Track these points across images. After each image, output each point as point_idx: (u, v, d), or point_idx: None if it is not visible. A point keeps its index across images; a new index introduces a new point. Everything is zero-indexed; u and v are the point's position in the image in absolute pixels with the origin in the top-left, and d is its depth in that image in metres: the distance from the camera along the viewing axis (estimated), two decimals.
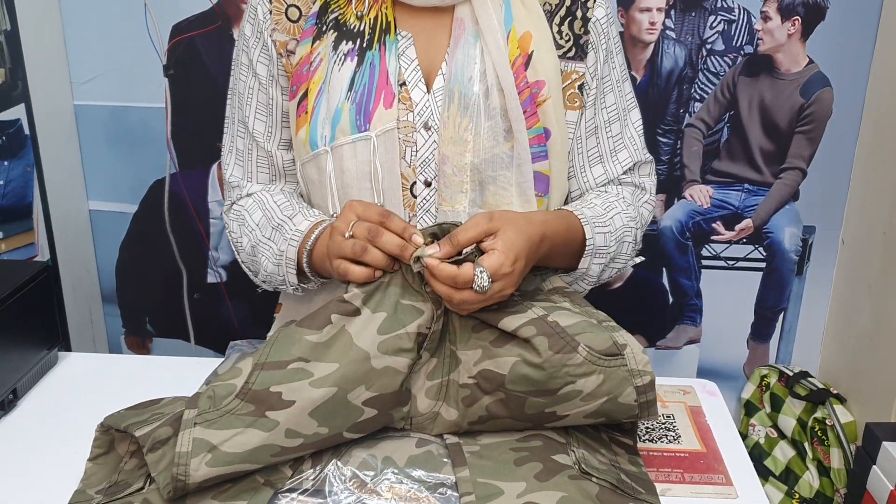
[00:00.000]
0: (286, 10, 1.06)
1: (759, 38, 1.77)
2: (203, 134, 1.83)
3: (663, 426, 1.06)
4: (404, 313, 0.91)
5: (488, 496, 0.83)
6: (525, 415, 0.89)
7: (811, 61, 1.78)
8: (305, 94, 1.05)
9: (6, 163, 1.62)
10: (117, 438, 0.92)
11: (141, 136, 1.84)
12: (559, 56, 1.06)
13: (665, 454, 1.00)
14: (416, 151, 1.04)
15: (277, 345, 0.89)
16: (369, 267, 0.91)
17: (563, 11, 1.07)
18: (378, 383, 0.87)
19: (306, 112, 1.05)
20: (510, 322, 0.90)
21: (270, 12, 1.06)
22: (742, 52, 1.78)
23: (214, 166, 1.87)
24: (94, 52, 1.78)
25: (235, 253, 1.17)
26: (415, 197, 1.05)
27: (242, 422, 0.84)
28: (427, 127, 1.03)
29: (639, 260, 1.15)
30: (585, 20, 1.07)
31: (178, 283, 1.96)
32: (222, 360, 1.14)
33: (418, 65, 1.04)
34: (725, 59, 1.78)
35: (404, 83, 1.04)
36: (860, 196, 1.86)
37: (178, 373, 1.17)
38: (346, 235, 0.92)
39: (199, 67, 1.78)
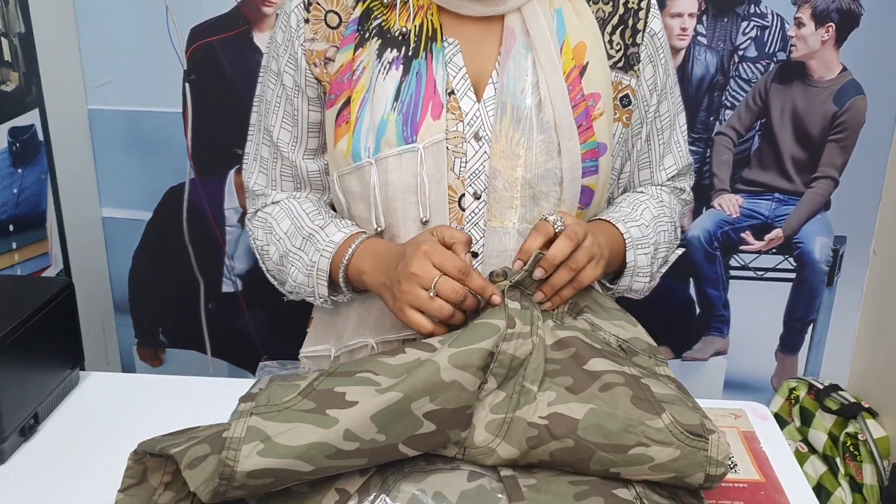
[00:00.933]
0: (325, 16, 1.01)
1: (792, 45, 1.72)
2: (221, 140, 1.78)
3: None
4: (477, 329, 0.87)
5: None
6: (588, 470, 0.83)
7: (845, 69, 1.74)
8: (347, 104, 1.00)
9: (20, 170, 1.56)
10: (150, 468, 0.87)
11: (157, 141, 1.79)
12: (609, 66, 1.02)
13: (723, 484, 0.95)
14: (466, 163, 0.99)
15: (347, 364, 0.89)
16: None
17: (615, 20, 1.02)
18: (443, 396, 0.82)
19: (348, 122, 1.00)
20: (599, 363, 0.87)
21: (307, 21, 1.01)
22: (775, 59, 1.73)
23: (231, 173, 1.82)
24: (109, 54, 1.73)
25: (260, 261, 1.14)
26: (463, 210, 1.01)
27: (301, 417, 0.80)
28: (478, 137, 0.99)
29: (680, 251, 1.16)
30: (636, 31, 1.03)
31: (193, 293, 1.91)
32: (253, 381, 1.09)
33: (466, 73, 1.00)
34: (758, 65, 1.74)
35: (453, 92, 0.99)
36: (893, 206, 1.81)
37: (204, 392, 1.12)
38: (431, 294, 0.89)
39: (217, 72, 1.73)
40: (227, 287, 1.91)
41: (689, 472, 0.81)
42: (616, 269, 1.06)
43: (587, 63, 0.99)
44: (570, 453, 0.83)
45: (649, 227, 1.07)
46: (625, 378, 0.86)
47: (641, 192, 1.15)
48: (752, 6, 1.69)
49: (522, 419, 0.85)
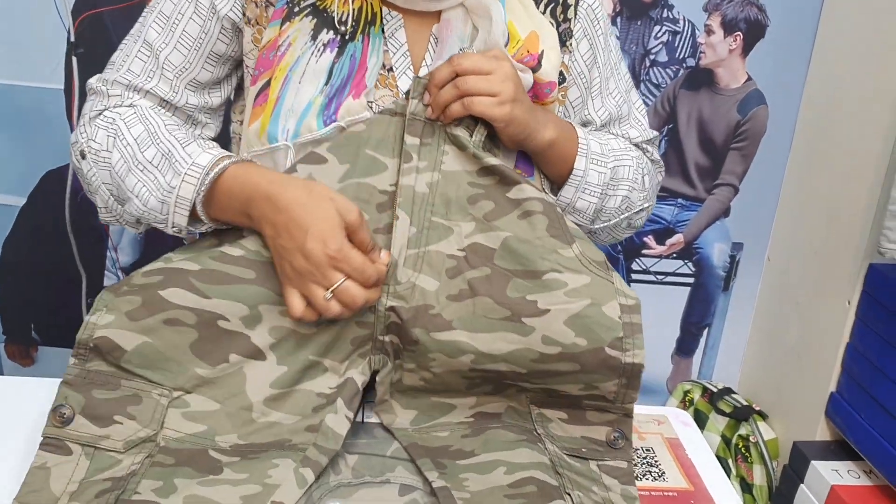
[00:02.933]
0: None
1: (701, 52, 1.74)
2: None
3: (645, 461, 0.99)
4: (368, 164, 0.90)
5: None
6: (506, 298, 0.85)
7: (749, 78, 1.78)
8: (268, 83, 0.92)
9: None
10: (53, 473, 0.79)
11: (33, 120, 1.64)
12: None
13: (653, 493, 0.93)
14: None
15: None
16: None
17: None
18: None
19: (265, 103, 0.92)
20: (522, 190, 0.89)
21: None
22: (684, 65, 1.75)
23: None
24: None
25: (88, 173, 0.95)
26: None
27: (205, 251, 0.88)
28: None
29: (648, 206, 1.11)
30: (566, 6, 1.00)
31: (72, 286, 1.76)
32: None
33: (408, 49, 0.95)
34: (668, 70, 1.75)
35: (391, 68, 0.94)
36: (788, 215, 1.87)
37: None
38: (327, 297, 0.83)
39: (107, 46, 1.58)
40: (108, 281, 1.77)
41: (603, 299, 0.84)
42: (562, 178, 1.01)
43: (542, 51, 0.95)
44: (488, 281, 0.86)
45: (612, 152, 1.03)
46: (543, 205, 0.88)
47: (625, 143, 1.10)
48: (665, 11, 1.70)
49: (440, 252, 0.88)
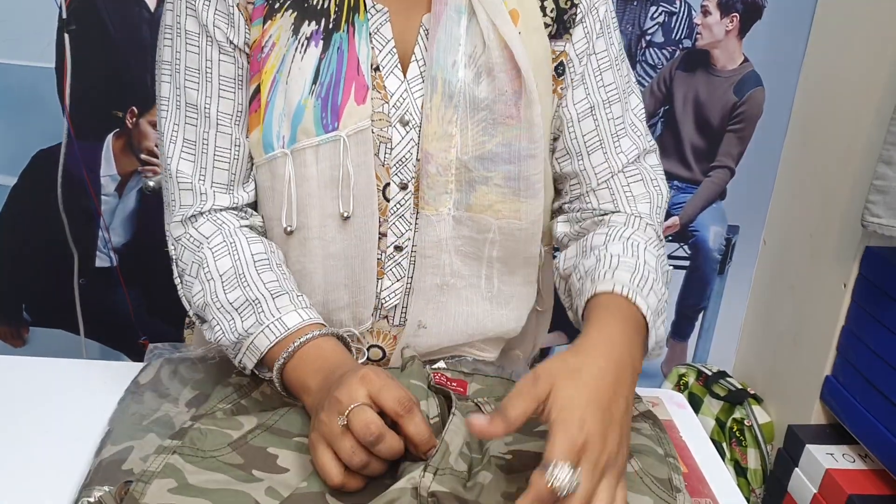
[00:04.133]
0: None
1: (697, 33, 1.73)
2: (99, 101, 1.63)
3: None
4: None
5: None
6: None
7: (746, 60, 1.77)
8: (259, 89, 0.88)
9: None
10: None
11: (26, 99, 1.62)
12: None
13: None
14: (391, 149, 0.89)
15: (290, 416, 0.80)
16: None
17: None
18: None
19: (259, 109, 0.89)
20: None
21: None
22: (681, 46, 1.74)
23: (109, 137, 1.67)
24: None
25: (178, 281, 0.93)
26: (387, 200, 0.91)
27: (225, 470, 0.72)
28: (404, 122, 0.89)
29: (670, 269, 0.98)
30: None
31: (64, 267, 1.75)
32: (141, 366, 0.98)
33: (395, 46, 0.89)
34: (664, 51, 1.74)
35: (378, 68, 0.89)
36: (784, 198, 1.86)
37: (77, 376, 1.00)
38: (341, 422, 0.71)
39: (99, 26, 1.58)
40: (100, 261, 1.76)
41: None
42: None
43: (520, 32, 0.89)
44: None
45: (659, 279, 0.85)
46: None
47: (613, 221, 0.95)
48: None
49: (490, 452, 0.75)
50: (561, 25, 0.93)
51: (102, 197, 1.71)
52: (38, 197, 1.69)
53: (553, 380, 0.68)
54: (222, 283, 0.87)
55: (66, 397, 0.96)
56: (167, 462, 0.71)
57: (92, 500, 0.72)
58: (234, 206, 0.93)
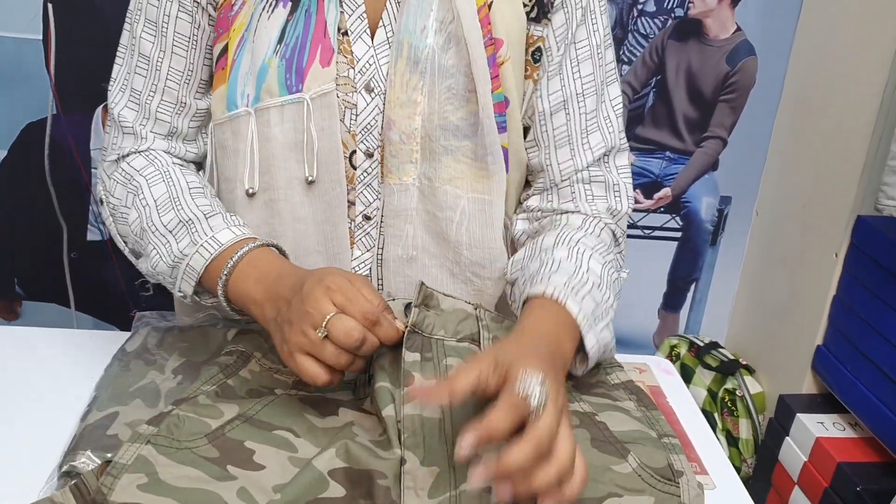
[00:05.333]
0: None
1: (690, 2, 1.72)
2: (87, 73, 1.62)
3: None
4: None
5: None
6: None
7: (739, 28, 1.75)
8: (227, 46, 0.88)
9: None
10: None
11: (13, 72, 1.61)
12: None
13: None
14: (357, 116, 0.89)
15: (273, 406, 0.78)
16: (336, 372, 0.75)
17: None
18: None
19: (226, 67, 0.88)
20: None
21: None
22: (673, 15, 1.73)
23: (99, 109, 1.66)
24: None
25: (108, 219, 0.94)
26: (354, 168, 0.90)
27: (198, 463, 0.71)
28: (369, 89, 0.88)
29: (625, 275, 0.98)
30: None
31: (55, 240, 1.74)
32: (129, 335, 0.98)
33: (365, 11, 0.88)
34: (656, 20, 1.73)
35: (346, 32, 0.88)
36: (777, 168, 1.86)
37: (68, 345, 1.00)
38: (321, 335, 0.72)
39: None
40: (91, 235, 1.76)
41: None
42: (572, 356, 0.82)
43: (491, 3, 0.88)
44: None
45: (599, 286, 0.85)
46: (579, 419, 0.76)
47: (567, 221, 0.94)
48: None
49: (475, 491, 0.69)
50: (540, 9, 0.91)
51: (92, 170, 1.71)
52: (27, 171, 1.68)
53: (497, 352, 0.67)
54: (157, 207, 0.87)
55: (54, 365, 0.96)
56: (139, 454, 0.70)
57: (74, 474, 0.72)
58: (170, 152, 0.94)
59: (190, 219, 0.85)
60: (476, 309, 0.87)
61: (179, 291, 0.86)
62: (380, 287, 0.95)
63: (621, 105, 0.96)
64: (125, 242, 0.93)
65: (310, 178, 0.88)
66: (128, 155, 0.93)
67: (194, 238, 0.84)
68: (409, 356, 0.79)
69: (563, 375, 0.75)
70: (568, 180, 0.95)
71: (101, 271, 1.78)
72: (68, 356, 0.98)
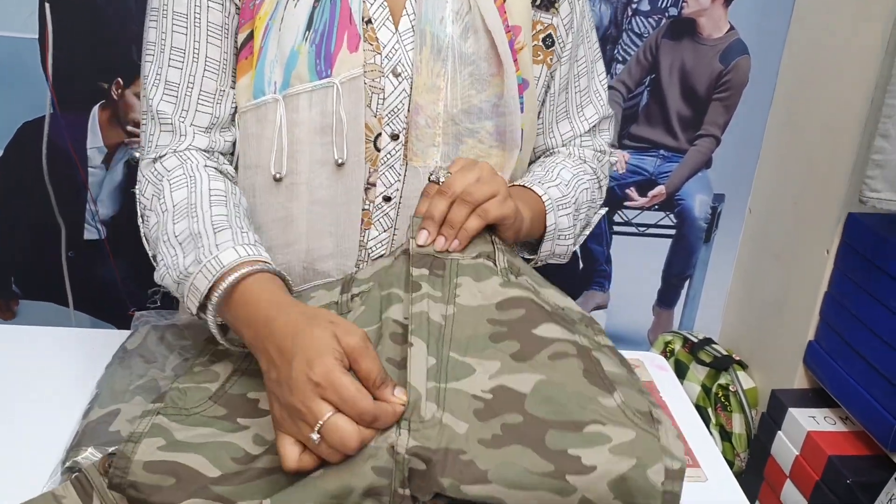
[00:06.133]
0: None
1: (683, 1, 1.73)
2: (83, 72, 1.62)
3: None
4: (380, 302, 0.80)
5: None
6: (547, 451, 0.71)
7: (732, 28, 1.77)
8: (251, 35, 0.89)
9: None
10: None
11: (9, 70, 1.61)
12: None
13: None
14: (384, 100, 0.91)
15: None
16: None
17: None
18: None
19: (251, 56, 0.90)
20: (550, 330, 0.77)
21: None
22: (666, 15, 1.74)
23: (95, 108, 1.67)
24: None
25: (140, 219, 0.91)
26: (378, 150, 0.93)
27: (210, 423, 0.73)
28: (396, 73, 0.91)
29: (603, 212, 1.11)
30: None
31: (52, 239, 1.75)
32: (129, 333, 0.99)
33: (385, 0, 0.92)
34: (650, 20, 1.74)
35: (370, 20, 0.91)
36: (770, 166, 1.87)
37: (66, 344, 1.02)
38: (314, 437, 0.66)
39: None
40: (89, 234, 1.76)
41: (649, 461, 0.71)
42: (539, 235, 0.97)
43: None
44: (524, 429, 0.71)
45: (569, 186, 1.00)
46: (577, 349, 0.78)
47: (557, 153, 1.08)
48: None
49: (464, 392, 0.73)
50: None
51: (89, 169, 1.71)
52: (24, 170, 1.69)
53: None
54: (173, 213, 0.85)
55: (55, 364, 0.97)
56: (153, 423, 0.72)
57: (77, 469, 0.74)
58: (210, 148, 0.93)
59: (199, 232, 0.82)
60: (490, 234, 0.89)
61: (187, 308, 0.83)
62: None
63: (606, 77, 1.10)
64: (147, 245, 0.90)
65: (339, 161, 0.90)
66: (166, 155, 0.91)
67: (199, 255, 0.80)
68: (417, 271, 0.81)
69: (519, 220, 0.88)
70: (566, 145, 1.09)
71: (98, 270, 1.78)
72: (68, 355, 0.99)
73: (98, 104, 1.66)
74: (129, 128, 1.68)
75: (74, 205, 1.73)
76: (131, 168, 1.70)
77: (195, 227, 0.82)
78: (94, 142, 1.69)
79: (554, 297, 0.88)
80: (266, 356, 0.71)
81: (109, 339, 1.00)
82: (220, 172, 0.91)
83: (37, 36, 1.59)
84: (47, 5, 1.57)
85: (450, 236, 0.83)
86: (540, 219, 0.96)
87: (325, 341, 0.68)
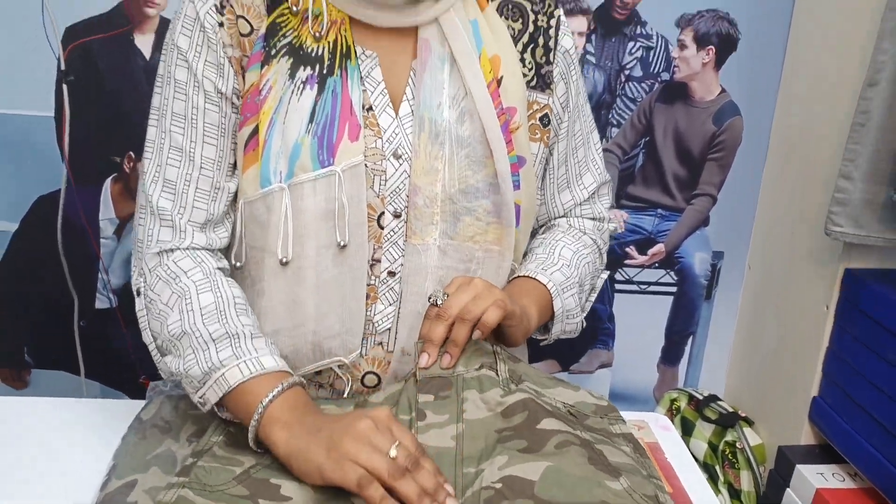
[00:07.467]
0: (237, 21, 0.94)
1: (675, 66, 1.79)
2: (97, 147, 1.68)
3: None
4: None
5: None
6: None
7: (723, 90, 1.82)
8: (256, 129, 0.93)
9: None
10: None
11: (25, 147, 1.67)
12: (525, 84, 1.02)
13: None
14: (386, 181, 0.95)
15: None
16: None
17: (525, 38, 1.02)
18: None
19: (257, 148, 0.94)
20: (553, 423, 0.82)
21: (222, 25, 0.93)
22: (659, 79, 1.79)
23: (108, 182, 1.71)
24: None
25: (141, 311, 0.96)
26: (381, 228, 0.97)
27: (233, 501, 0.76)
28: (397, 156, 0.96)
29: (605, 276, 1.16)
30: (548, 49, 1.03)
31: (64, 309, 1.78)
32: (143, 403, 1.02)
33: (385, 88, 0.96)
34: (643, 85, 1.79)
35: (371, 108, 0.95)
36: (766, 223, 1.91)
37: (78, 415, 1.04)
38: (392, 454, 0.76)
39: (96, 74, 1.63)
40: (101, 303, 1.80)
41: None
42: (547, 320, 1.04)
43: (502, 76, 0.98)
44: None
45: (570, 265, 1.05)
46: (580, 440, 0.82)
47: (556, 226, 1.13)
48: (639, 27, 1.75)
49: (475, 489, 0.78)
50: (540, 79, 1.03)
51: (101, 240, 1.75)
52: (38, 242, 1.73)
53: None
54: (202, 315, 0.89)
55: (70, 436, 0.99)
56: (179, 494, 0.75)
57: None
58: (209, 246, 0.97)
59: (236, 333, 0.88)
60: (493, 344, 0.95)
61: (201, 398, 0.88)
62: (395, 340, 0.99)
63: (600, 146, 1.15)
64: (154, 338, 0.94)
65: (342, 243, 0.93)
66: (172, 251, 0.95)
67: (237, 352, 0.86)
68: (423, 398, 0.86)
69: (522, 315, 0.95)
70: (567, 213, 1.14)
71: (109, 338, 1.81)
72: (83, 426, 1.01)
73: (110, 177, 1.71)
74: None
75: (87, 275, 1.77)
76: None
77: (231, 328, 0.89)
78: (107, 213, 1.74)
79: (563, 394, 0.92)
80: (314, 438, 0.79)
81: (124, 409, 1.02)
82: (227, 274, 0.97)
83: (53, 113, 1.65)
84: (65, 86, 1.63)
85: (455, 354, 0.90)
86: (547, 307, 1.02)
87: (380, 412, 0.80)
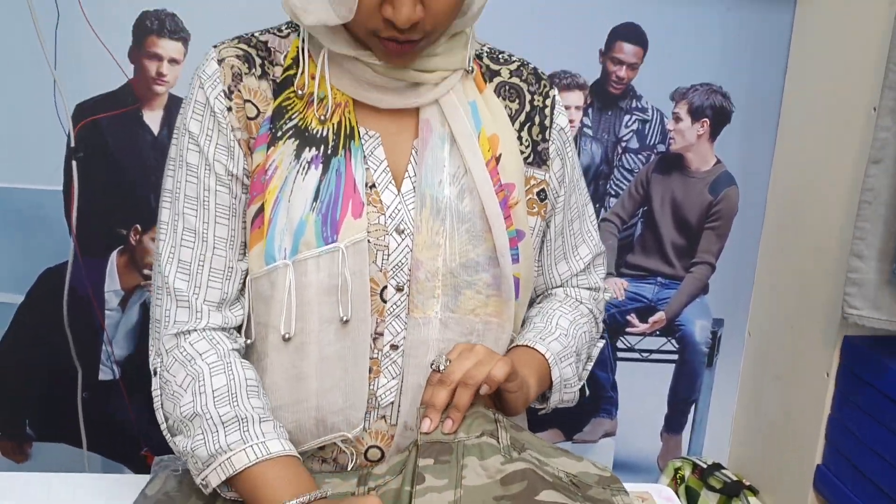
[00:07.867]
0: (244, 105, 0.97)
1: (671, 138, 1.83)
2: (104, 220, 1.71)
3: None
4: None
5: None
6: None
7: (719, 161, 1.86)
8: (262, 207, 0.96)
9: None
10: None
11: (33, 220, 1.70)
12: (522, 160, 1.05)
13: None
14: (388, 256, 0.98)
15: None
16: None
17: (522, 117, 1.06)
18: None
19: (262, 225, 0.96)
20: (552, 496, 0.83)
21: (230, 109, 0.97)
22: (655, 151, 1.84)
23: (114, 254, 1.74)
24: None
25: (156, 391, 0.98)
26: (384, 302, 0.98)
27: None
28: (399, 231, 0.98)
29: (601, 343, 1.18)
30: (544, 127, 1.07)
31: (67, 382, 1.79)
32: (148, 478, 1.02)
33: (387, 166, 0.99)
34: (640, 156, 1.83)
35: (374, 185, 0.98)
36: (765, 290, 1.93)
37: (80, 490, 1.03)
38: None
39: (104, 150, 1.67)
40: (104, 375, 1.80)
41: None
42: (545, 389, 1.05)
43: (500, 154, 1.01)
44: None
45: (568, 335, 1.07)
46: None
47: (553, 296, 1.15)
48: (634, 101, 1.79)
49: None
50: (537, 156, 1.06)
51: (106, 311, 1.77)
52: (44, 314, 1.74)
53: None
54: (214, 397, 0.92)
55: None
56: None
57: None
58: (225, 325, 0.99)
59: (245, 417, 0.90)
60: (494, 413, 0.95)
61: (203, 481, 0.90)
62: (398, 414, 1.00)
63: (595, 217, 1.18)
64: (166, 418, 0.96)
65: (345, 318, 0.95)
66: (189, 333, 0.97)
67: (245, 436, 0.89)
68: (423, 461, 0.86)
69: (521, 386, 0.96)
70: (563, 284, 1.16)
71: (112, 410, 1.81)
72: (88, 502, 1.01)
73: (116, 249, 1.74)
74: (146, 271, 1.75)
75: (91, 347, 1.78)
76: (146, 310, 1.76)
77: (240, 412, 0.91)
78: (112, 285, 1.76)
79: (566, 464, 0.92)
80: None
81: (126, 484, 1.03)
82: (241, 355, 0.98)
83: (61, 188, 1.68)
84: (74, 161, 1.67)
85: (457, 419, 0.91)
86: (546, 376, 1.03)
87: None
